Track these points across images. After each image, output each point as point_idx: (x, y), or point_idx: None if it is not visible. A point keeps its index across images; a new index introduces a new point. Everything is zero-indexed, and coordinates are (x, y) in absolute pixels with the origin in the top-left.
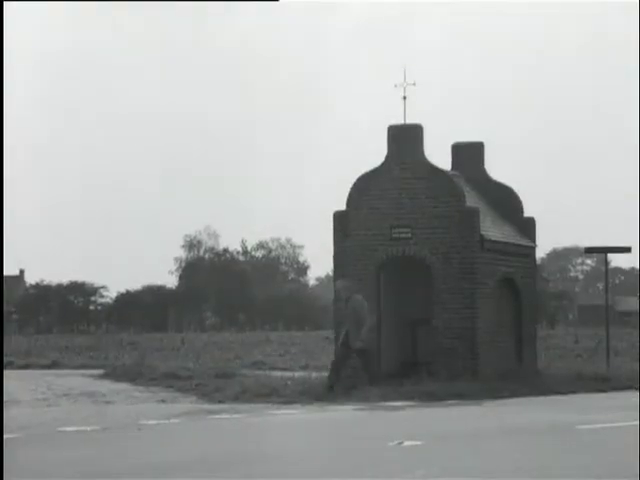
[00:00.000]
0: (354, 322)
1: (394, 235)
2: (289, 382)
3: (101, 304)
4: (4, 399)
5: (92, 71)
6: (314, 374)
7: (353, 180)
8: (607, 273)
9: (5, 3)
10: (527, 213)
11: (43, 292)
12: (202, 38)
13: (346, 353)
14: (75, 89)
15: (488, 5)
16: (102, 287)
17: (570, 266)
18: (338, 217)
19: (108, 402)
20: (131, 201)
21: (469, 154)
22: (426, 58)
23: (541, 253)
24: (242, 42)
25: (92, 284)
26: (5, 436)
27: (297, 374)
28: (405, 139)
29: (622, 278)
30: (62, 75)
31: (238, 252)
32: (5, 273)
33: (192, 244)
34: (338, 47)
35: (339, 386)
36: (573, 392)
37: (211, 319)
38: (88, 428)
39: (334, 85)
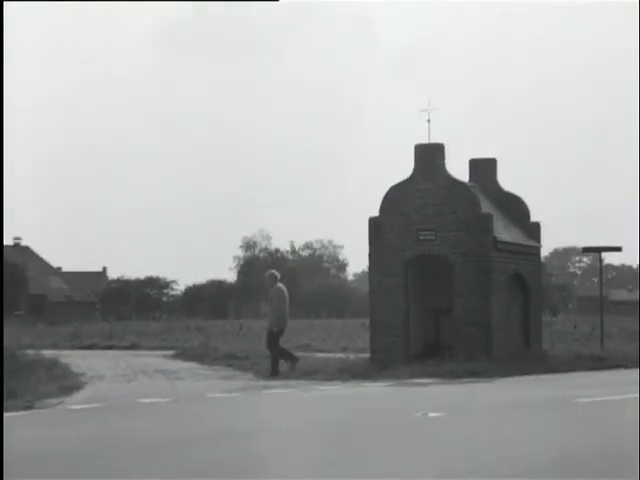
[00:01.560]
0: (271, 308)
1: (420, 237)
2: (331, 362)
3: (172, 296)
4: (90, 375)
5: (179, 93)
6: (352, 355)
7: (385, 190)
8: (601, 269)
9: (6, 3)
10: (533, 218)
11: (123, 286)
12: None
13: (268, 335)
14: (160, 110)
15: (501, 37)
16: (173, 281)
17: (569, 263)
18: (372, 222)
19: (178, 378)
20: (198, 208)
21: (484, 168)
22: (448, 86)
23: (545, 252)
24: (293, 68)
25: (165, 279)
26: (90, 405)
27: (337, 355)
28: (429, 156)
29: (614, 273)
30: (154, 95)
31: (287, 251)
32: (90, 270)
33: (249, 245)
34: (375, 75)
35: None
36: (572, 370)
37: (264, 308)
38: (161, 400)
39: (370, 110)
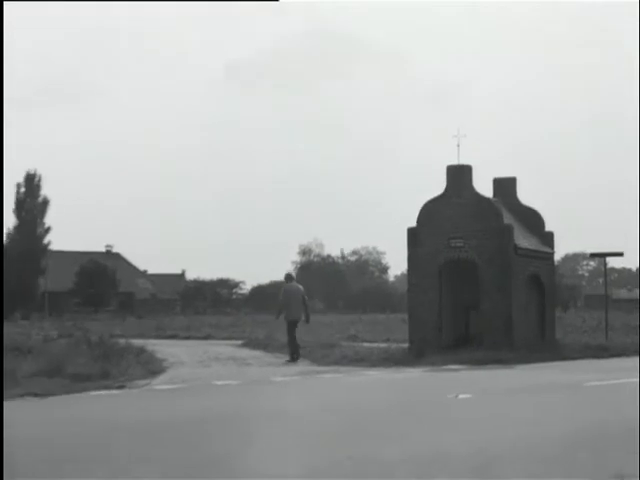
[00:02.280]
0: (287, 303)
1: (451, 244)
2: (375, 351)
3: (240, 294)
4: (172, 361)
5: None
6: (393, 345)
7: (421, 205)
8: (606, 272)
9: (6, 3)
10: (547, 228)
11: (199, 285)
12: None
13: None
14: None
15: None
16: (241, 282)
17: (578, 266)
18: (411, 232)
19: (246, 364)
20: (264, 220)
21: (505, 186)
22: (476, 114)
23: (558, 257)
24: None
25: (234, 280)
26: (173, 386)
27: (380, 345)
28: (459, 175)
29: (616, 275)
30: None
31: (338, 257)
32: (170, 272)
33: (305, 251)
34: (413, 105)
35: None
36: (581, 358)
37: (318, 305)
38: (232, 382)
39: (409, 137)
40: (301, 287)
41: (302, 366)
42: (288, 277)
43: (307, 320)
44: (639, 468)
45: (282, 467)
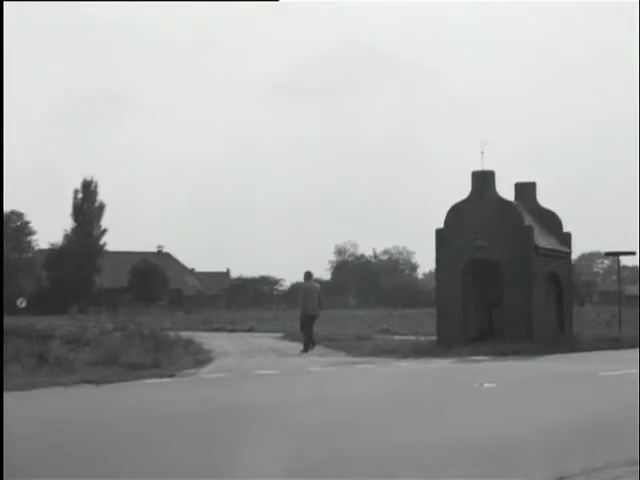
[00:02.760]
0: (305, 300)
1: (475, 245)
2: (405, 343)
3: (280, 291)
4: (218, 352)
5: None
6: (422, 338)
7: (448, 208)
8: (619, 269)
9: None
10: (565, 229)
11: (243, 283)
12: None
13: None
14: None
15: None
16: (281, 279)
17: (594, 265)
18: (438, 233)
19: (286, 355)
20: (303, 222)
21: (526, 189)
22: (500, 124)
23: (574, 256)
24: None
25: (275, 277)
26: (219, 375)
27: (410, 338)
28: (483, 180)
29: (628, 272)
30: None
31: (370, 256)
32: (216, 270)
33: (340, 251)
34: (440, 115)
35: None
36: (596, 349)
37: (352, 301)
38: (273, 372)
39: (437, 144)
40: (317, 285)
41: (338, 357)
42: (307, 275)
43: (317, 315)
44: (639, 455)
45: (317, 449)
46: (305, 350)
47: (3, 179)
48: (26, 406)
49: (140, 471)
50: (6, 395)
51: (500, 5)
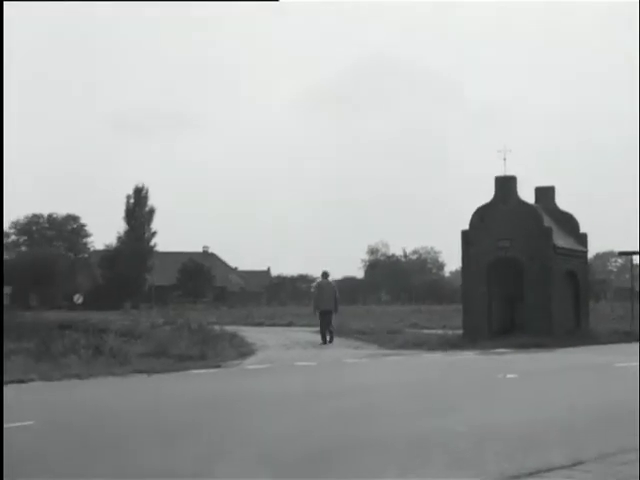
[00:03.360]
0: (319, 297)
1: (499, 245)
2: (433, 337)
3: None
4: (260, 344)
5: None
6: (449, 332)
7: (473, 210)
8: (632, 267)
9: (6, 3)
10: (582, 230)
11: (282, 281)
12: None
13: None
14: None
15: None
16: (318, 277)
17: (608, 263)
18: (464, 234)
19: (322, 348)
20: (337, 224)
21: (545, 193)
22: (521, 131)
23: (590, 255)
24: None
25: (312, 275)
26: (261, 366)
27: (438, 331)
28: (505, 184)
29: None
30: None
31: (401, 256)
32: (258, 269)
33: (372, 251)
34: (465, 124)
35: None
36: (611, 342)
37: (384, 297)
38: (311, 363)
39: (464, 151)
40: (333, 283)
41: (371, 349)
42: (324, 274)
43: (335, 310)
44: (639, 445)
45: (352, 434)
46: (324, 342)
47: (3, 182)
48: (84, 393)
49: (190, 452)
50: (65, 383)
51: (514, 15)
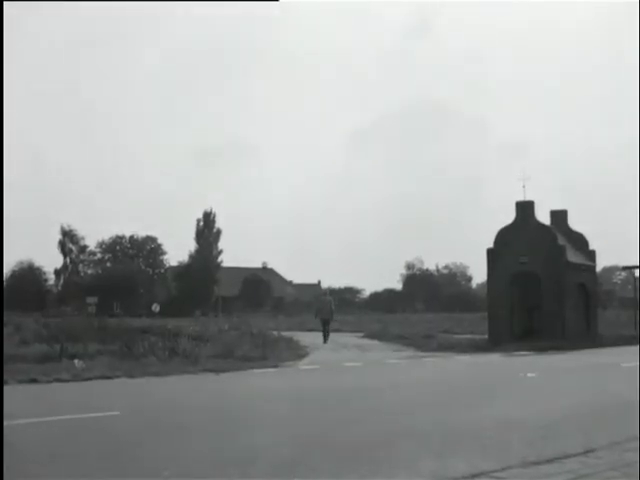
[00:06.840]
0: (320, 308)
1: (519, 260)
2: (462, 340)
3: (361, 299)
4: (312, 348)
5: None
6: (476, 336)
7: (497, 231)
8: (634, 280)
9: (6, 3)
10: (591, 247)
11: (330, 292)
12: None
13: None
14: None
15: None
16: (362, 289)
17: (613, 276)
18: (489, 251)
19: (367, 350)
20: (379, 242)
21: (560, 216)
22: (537, 163)
23: (598, 269)
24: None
25: (357, 287)
26: (311, 367)
27: (467, 336)
28: (525, 208)
29: None
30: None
31: (434, 270)
32: (309, 282)
33: (409, 266)
34: (488, 156)
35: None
36: (617, 345)
37: (419, 306)
38: (357, 364)
39: (489, 181)
40: (330, 298)
41: (408, 352)
42: (324, 292)
43: (331, 319)
44: (639, 438)
45: (393, 426)
46: (325, 341)
47: (3, 189)
48: (162, 388)
49: (252, 440)
50: (145, 379)
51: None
